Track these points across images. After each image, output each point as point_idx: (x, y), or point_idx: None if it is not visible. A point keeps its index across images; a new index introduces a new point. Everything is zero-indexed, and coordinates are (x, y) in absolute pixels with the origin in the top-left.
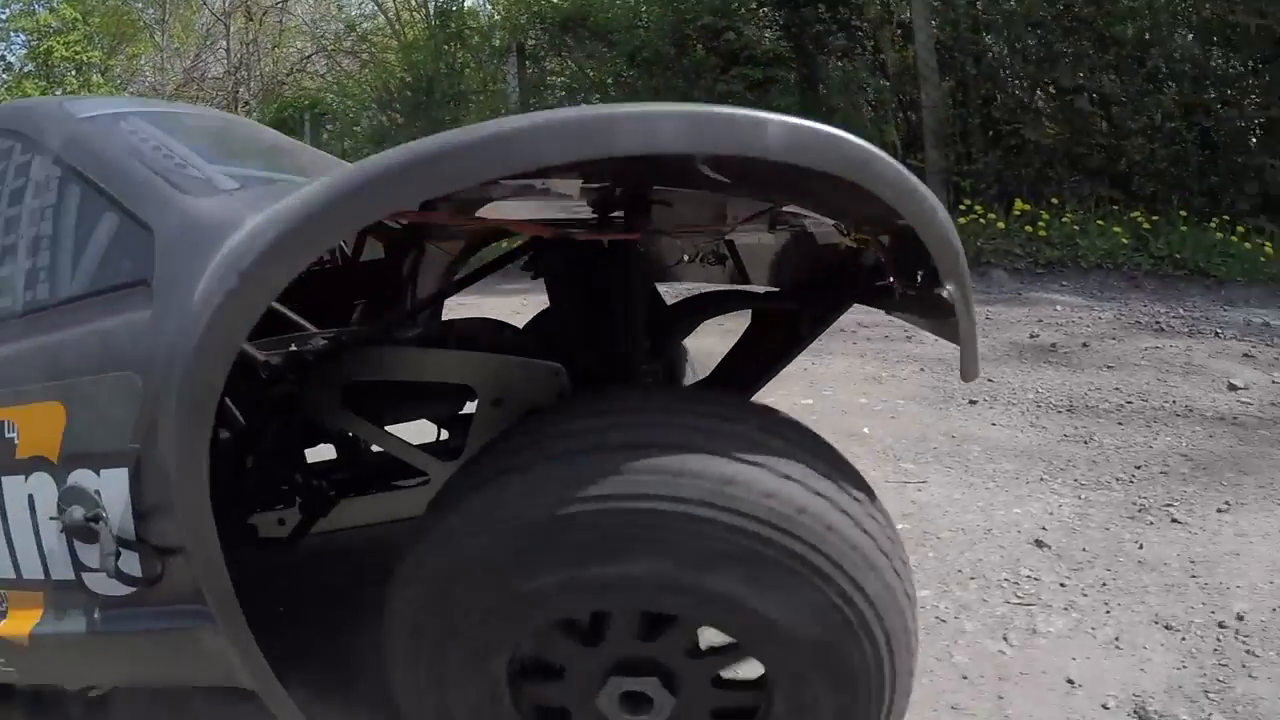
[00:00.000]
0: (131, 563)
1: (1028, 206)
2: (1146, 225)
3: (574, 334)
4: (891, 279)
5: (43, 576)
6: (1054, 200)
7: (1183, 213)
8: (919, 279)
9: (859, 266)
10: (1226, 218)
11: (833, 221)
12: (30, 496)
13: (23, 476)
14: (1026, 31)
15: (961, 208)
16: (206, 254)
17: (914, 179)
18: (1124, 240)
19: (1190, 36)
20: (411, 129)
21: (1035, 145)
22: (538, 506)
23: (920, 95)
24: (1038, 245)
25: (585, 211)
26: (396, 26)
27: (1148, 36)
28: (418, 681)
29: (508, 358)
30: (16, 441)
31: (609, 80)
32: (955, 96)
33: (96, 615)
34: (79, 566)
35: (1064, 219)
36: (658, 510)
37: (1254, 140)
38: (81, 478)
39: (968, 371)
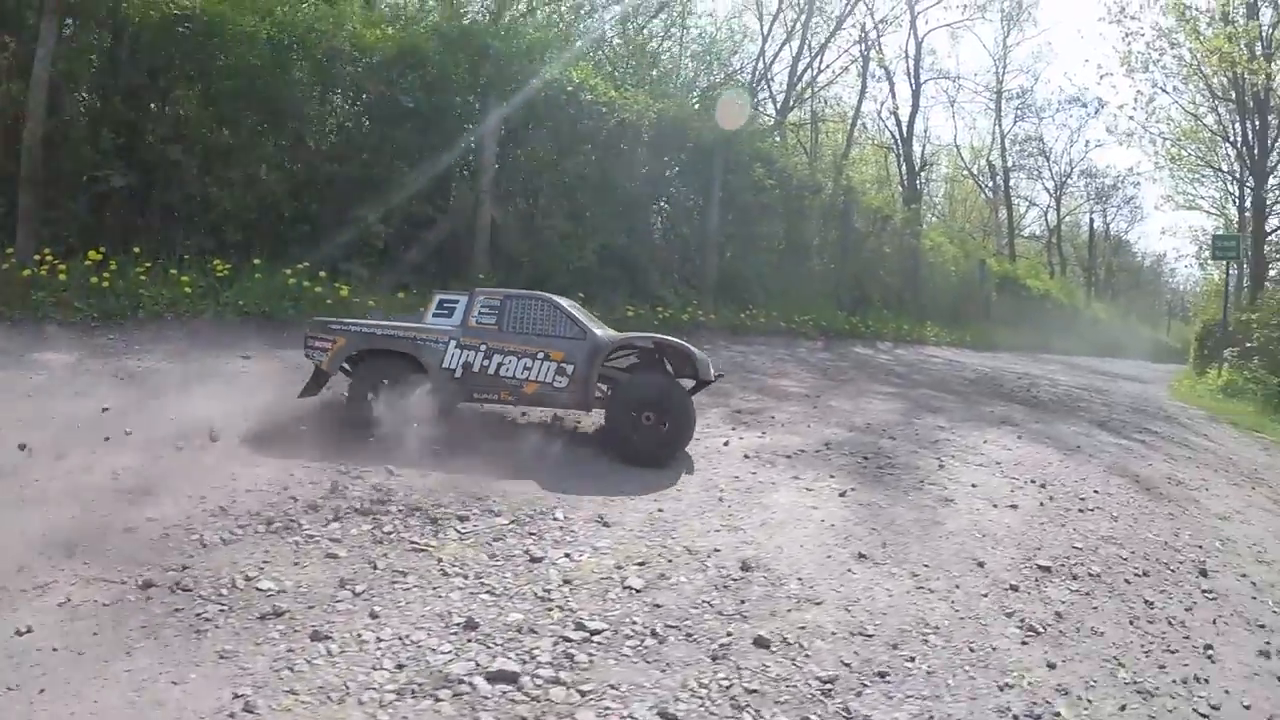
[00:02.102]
0: (563, 380)
1: (99, 255)
2: (223, 273)
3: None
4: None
5: (542, 380)
6: (136, 249)
7: (256, 260)
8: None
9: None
10: (305, 264)
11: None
12: (545, 367)
13: (547, 364)
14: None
15: (37, 258)
16: (596, 341)
17: (699, 353)
18: (188, 289)
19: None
20: None
21: (128, 192)
22: (634, 388)
23: (23, 134)
24: (102, 296)
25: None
26: None
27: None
28: (619, 411)
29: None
30: (550, 356)
31: None
32: (53, 139)
33: (550, 389)
34: (554, 379)
35: (138, 269)
36: (647, 386)
37: (356, 194)
38: (564, 364)
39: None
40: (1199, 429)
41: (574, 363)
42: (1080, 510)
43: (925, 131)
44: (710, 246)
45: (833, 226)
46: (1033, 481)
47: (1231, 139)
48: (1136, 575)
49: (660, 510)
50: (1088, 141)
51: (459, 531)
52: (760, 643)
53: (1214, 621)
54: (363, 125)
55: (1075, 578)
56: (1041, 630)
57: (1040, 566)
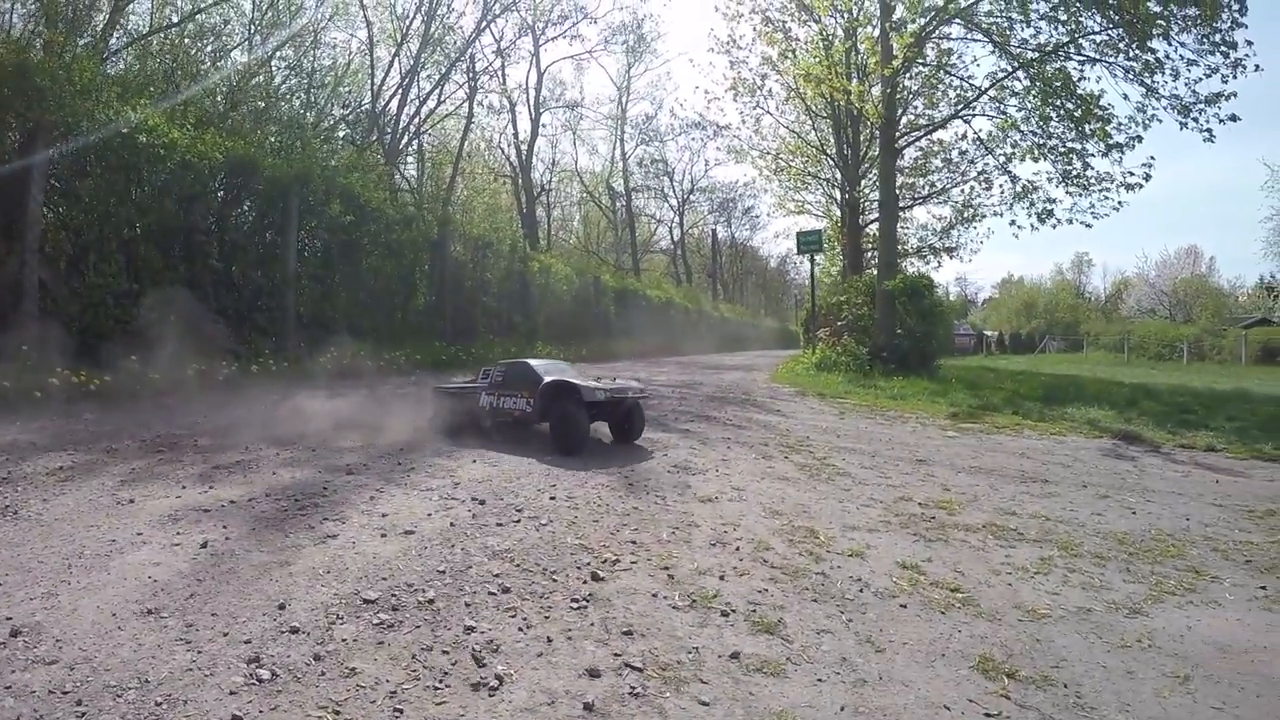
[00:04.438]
0: (530, 408)
1: None
2: None
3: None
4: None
5: (521, 409)
6: None
7: None
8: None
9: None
10: None
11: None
12: (522, 401)
13: (522, 399)
14: None
15: None
16: (543, 384)
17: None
18: None
19: None
20: None
21: None
22: (553, 409)
23: None
24: None
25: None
26: None
27: None
28: (553, 423)
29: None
30: (523, 395)
31: None
32: None
33: (525, 413)
34: (526, 407)
35: None
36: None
37: None
38: (529, 398)
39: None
40: (776, 407)
41: (534, 397)
42: (500, 524)
43: (554, 160)
44: (288, 290)
45: (430, 259)
46: (474, 499)
47: (829, 151)
48: (493, 594)
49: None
50: (707, 161)
51: None
52: None
53: (523, 629)
54: None
55: (396, 608)
56: (270, 678)
57: (365, 600)
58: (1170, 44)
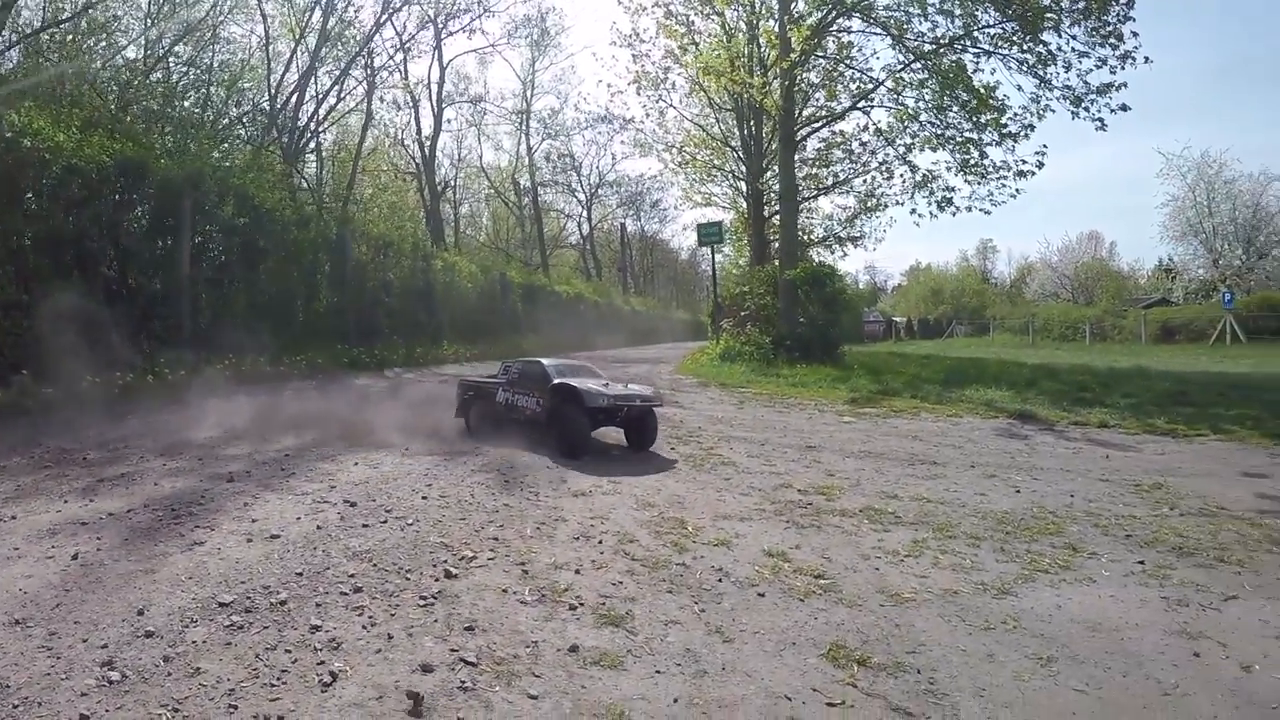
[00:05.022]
0: (539, 407)
1: None
2: None
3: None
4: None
5: (532, 407)
6: None
7: None
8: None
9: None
10: None
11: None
12: (533, 400)
13: (533, 398)
14: None
15: None
16: (552, 385)
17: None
18: None
19: None
20: None
21: None
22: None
23: None
24: None
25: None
26: None
27: None
28: (554, 425)
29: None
30: (534, 394)
31: None
32: None
33: (535, 412)
34: (536, 406)
35: None
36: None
37: None
38: (539, 398)
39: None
40: (675, 399)
41: (543, 396)
42: (366, 525)
43: (459, 156)
44: (183, 296)
45: (331, 260)
46: (346, 501)
47: (732, 143)
48: (344, 593)
49: None
50: (614, 155)
51: None
52: None
53: (366, 627)
54: None
55: (249, 610)
56: (120, 680)
57: (220, 603)
58: (1061, 36)
